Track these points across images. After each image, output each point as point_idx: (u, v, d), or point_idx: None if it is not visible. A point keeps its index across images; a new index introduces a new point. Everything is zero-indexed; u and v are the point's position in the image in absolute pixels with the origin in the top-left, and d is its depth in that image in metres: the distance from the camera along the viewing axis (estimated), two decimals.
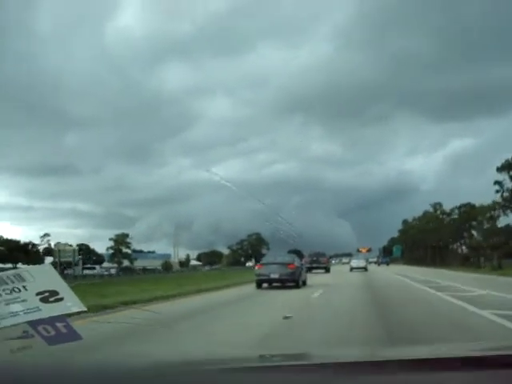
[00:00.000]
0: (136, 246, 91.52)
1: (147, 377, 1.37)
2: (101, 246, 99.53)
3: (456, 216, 74.39)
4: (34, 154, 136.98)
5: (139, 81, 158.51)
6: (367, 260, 53.12)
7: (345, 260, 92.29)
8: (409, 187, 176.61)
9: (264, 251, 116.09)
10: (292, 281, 19.04)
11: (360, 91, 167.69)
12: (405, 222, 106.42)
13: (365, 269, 42.52)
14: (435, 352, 1.93)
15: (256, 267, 20.15)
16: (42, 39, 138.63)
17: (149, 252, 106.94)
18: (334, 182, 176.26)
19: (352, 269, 42.87)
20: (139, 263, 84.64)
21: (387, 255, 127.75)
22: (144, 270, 78.40)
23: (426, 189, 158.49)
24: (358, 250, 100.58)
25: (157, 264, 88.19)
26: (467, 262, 54.81)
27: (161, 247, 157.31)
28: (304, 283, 20.70)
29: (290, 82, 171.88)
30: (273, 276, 19.04)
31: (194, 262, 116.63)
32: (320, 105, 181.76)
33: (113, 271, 72.32)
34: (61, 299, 1.04)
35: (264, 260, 21.00)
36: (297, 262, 20.17)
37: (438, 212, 78.68)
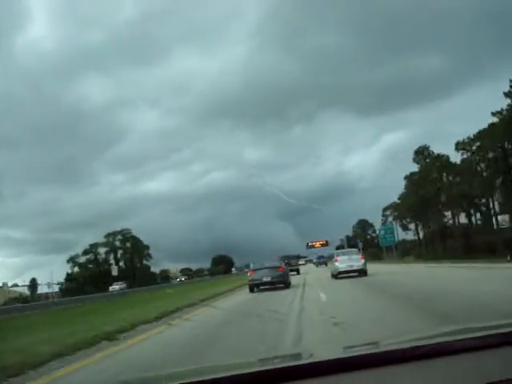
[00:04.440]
0: None
1: None
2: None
3: None
4: None
5: (57, 96, 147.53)
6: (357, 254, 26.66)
7: (301, 262, 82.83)
8: (347, 185, 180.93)
9: (144, 262, 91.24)
10: (283, 282, 21.22)
11: (282, 92, 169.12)
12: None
13: (362, 272, 24.57)
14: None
15: (248, 273, 22.10)
16: None
17: None
18: (271, 186, 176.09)
19: (338, 274, 24.94)
20: None
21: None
22: None
23: (364, 186, 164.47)
24: (309, 246, 77.22)
25: None
26: None
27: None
28: (289, 284, 22.91)
29: (212, 87, 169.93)
30: (265, 279, 21.00)
31: None
32: (244, 108, 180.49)
33: None
34: None
35: (253, 266, 22.94)
36: (284, 265, 22.43)
37: None
